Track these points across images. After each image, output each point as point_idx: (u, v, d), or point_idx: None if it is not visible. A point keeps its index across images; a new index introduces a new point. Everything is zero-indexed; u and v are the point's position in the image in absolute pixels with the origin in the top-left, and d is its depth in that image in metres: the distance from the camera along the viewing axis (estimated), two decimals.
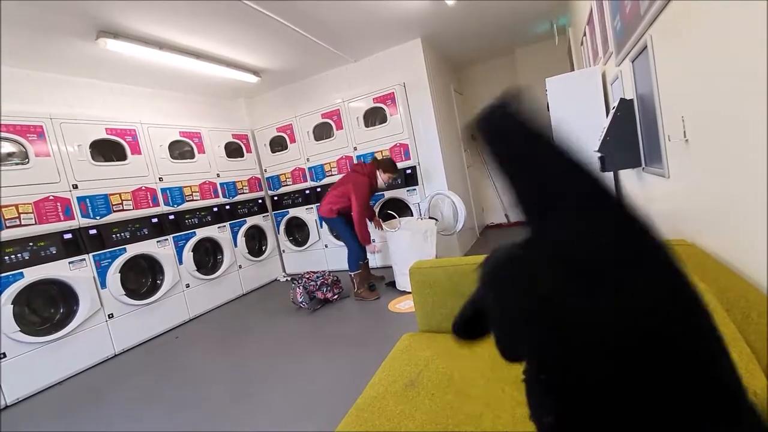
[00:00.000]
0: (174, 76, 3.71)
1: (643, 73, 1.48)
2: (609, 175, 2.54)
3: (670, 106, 1.28)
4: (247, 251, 4.26)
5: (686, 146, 1.16)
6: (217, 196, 4.06)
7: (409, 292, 3.22)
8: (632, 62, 1.63)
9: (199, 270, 3.70)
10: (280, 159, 4.61)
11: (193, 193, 3.80)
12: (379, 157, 3.93)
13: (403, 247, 3.24)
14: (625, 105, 1.71)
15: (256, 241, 4.54)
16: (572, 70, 4.13)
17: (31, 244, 2.59)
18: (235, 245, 4.16)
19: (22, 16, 2.35)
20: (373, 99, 4.01)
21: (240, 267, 4.17)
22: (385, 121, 4.02)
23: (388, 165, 3.33)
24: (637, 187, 1.99)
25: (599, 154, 1.79)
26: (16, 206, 2.55)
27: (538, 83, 4.44)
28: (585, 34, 3.02)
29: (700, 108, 1.04)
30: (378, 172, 3.31)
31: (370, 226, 3.57)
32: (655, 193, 1.64)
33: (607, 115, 2.29)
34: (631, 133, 1.69)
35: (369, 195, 3.32)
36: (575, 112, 2.60)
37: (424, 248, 3.18)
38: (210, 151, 4.07)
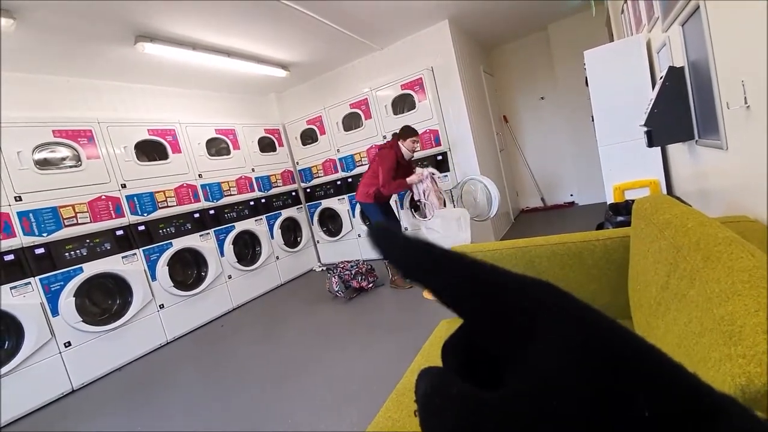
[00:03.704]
0: (207, 75, 3.83)
1: (695, 36, 1.36)
2: (656, 151, 2.39)
3: (727, 70, 1.17)
4: (283, 243, 4.38)
5: (747, 113, 1.06)
6: (252, 190, 4.19)
7: None
8: (682, 26, 1.50)
9: (239, 262, 3.85)
10: (311, 151, 4.68)
11: (231, 188, 3.94)
12: None
13: (437, 234, 3.21)
14: (674, 73, 1.58)
15: (291, 233, 4.65)
16: (611, 41, 3.87)
17: (87, 240, 2.79)
18: (272, 237, 4.28)
19: (68, 28, 2.49)
20: (401, 86, 3.96)
21: (277, 258, 4.30)
22: (414, 108, 3.96)
23: (405, 131, 3.24)
24: (688, 162, 1.85)
25: (646, 129, 1.68)
26: (73, 206, 2.74)
27: (574, 59, 4.24)
28: (626, 1, 2.81)
29: (763, 69, 0.94)
30: (399, 143, 3.23)
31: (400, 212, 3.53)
32: (711, 167, 1.51)
33: (653, 86, 2.14)
34: (681, 104, 1.56)
35: (395, 165, 3.20)
36: (618, 86, 2.44)
37: (459, 235, 3.13)
38: (244, 147, 4.19)
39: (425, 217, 3.39)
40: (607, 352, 0.13)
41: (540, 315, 0.15)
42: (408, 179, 3.26)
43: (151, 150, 3.39)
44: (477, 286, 0.16)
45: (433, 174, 3.34)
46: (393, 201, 3.90)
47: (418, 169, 3.34)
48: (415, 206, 3.75)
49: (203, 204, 3.63)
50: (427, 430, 0.15)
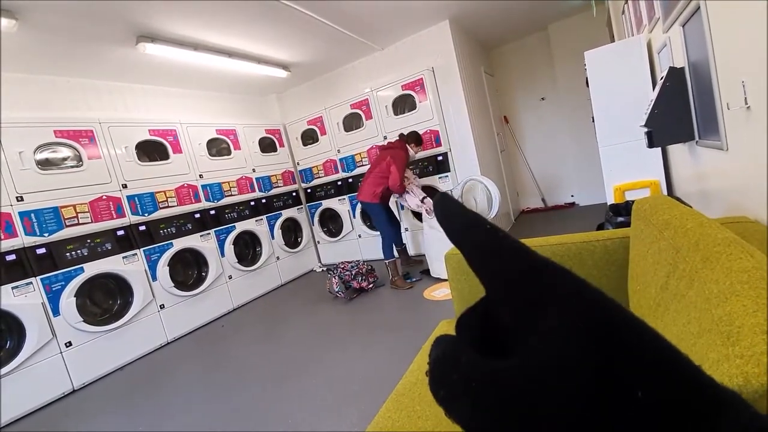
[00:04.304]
0: (208, 75, 3.83)
1: (696, 37, 1.36)
2: (657, 151, 2.39)
3: (727, 70, 1.17)
4: (283, 243, 4.38)
5: (748, 114, 1.06)
6: (253, 191, 4.19)
7: (444, 280, 3.20)
8: (682, 27, 1.50)
9: (240, 262, 3.85)
10: (312, 151, 4.68)
11: (231, 189, 3.95)
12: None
13: (438, 233, 3.21)
14: (675, 74, 1.58)
15: (291, 233, 4.65)
16: (612, 42, 3.87)
17: (89, 241, 2.79)
18: (273, 237, 4.28)
19: (69, 28, 2.49)
20: (402, 86, 3.96)
21: (278, 258, 4.30)
22: (415, 108, 3.96)
23: (415, 138, 3.48)
24: (689, 163, 1.85)
25: (646, 129, 1.68)
26: (74, 206, 2.75)
27: (575, 59, 4.23)
28: (626, 1, 2.81)
29: (763, 69, 0.94)
30: (408, 146, 3.43)
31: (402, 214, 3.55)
32: (711, 168, 1.51)
33: (653, 87, 2.14)
34: (682, 104, 1.56)
35: (406, 166, 3.41)
36: (618, 86, 2.44)
37: None
38: (245, 147, 4.19)
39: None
40: (611, 335, 0.14)
41: (552, 293, 0.16)
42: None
43: (152, 150, 3.40)
44: (499, 252, 0.17)
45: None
46: (392, 202, 3.90)
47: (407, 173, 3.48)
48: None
49: (204, 204, 3.64)
50: (436, 392, 0.16)
